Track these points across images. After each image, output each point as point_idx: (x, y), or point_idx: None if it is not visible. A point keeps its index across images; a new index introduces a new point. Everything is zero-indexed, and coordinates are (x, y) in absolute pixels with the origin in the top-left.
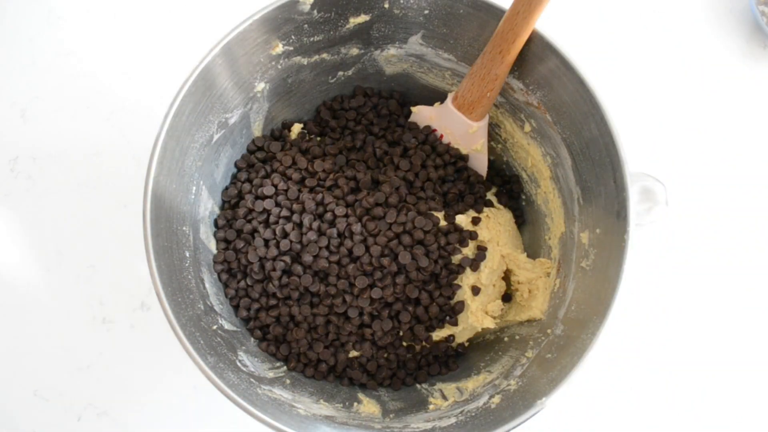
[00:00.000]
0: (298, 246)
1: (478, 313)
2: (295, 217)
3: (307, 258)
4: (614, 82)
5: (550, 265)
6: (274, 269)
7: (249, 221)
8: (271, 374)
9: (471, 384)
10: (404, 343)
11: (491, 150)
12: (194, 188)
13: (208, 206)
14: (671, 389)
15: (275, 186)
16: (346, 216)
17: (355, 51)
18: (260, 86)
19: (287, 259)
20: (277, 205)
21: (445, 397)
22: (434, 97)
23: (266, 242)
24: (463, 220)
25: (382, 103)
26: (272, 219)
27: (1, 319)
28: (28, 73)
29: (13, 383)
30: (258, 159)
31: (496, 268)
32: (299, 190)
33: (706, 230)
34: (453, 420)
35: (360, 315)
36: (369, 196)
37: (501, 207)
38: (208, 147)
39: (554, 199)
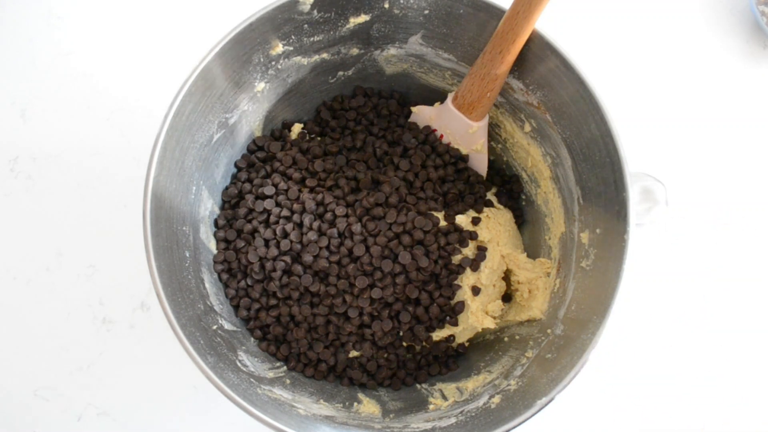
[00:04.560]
0: (299, 246)
1: (478, 313)
2: (296, 217)
3: (308, 258)
4: (614, 82)
5: (550, 265)
6: (274, 269)
7: (249, 221)
8: (271, 374)
9: (471, 384)
10: (404, 344)
11: (491, 150)
12: (194, 188)
13: (208, 206)
14: (671, 389)
15: (275, 186)
16: (346, 216)
17: (355, 51)
18: (260, 86)
19: (287, 259)
20: (278, 205)
21: (445, 397)
22: (434, 97)
23: (266, 242)
24: (463, 220)
25: (382, 103)
26: (272, 219)
27: (1, 319)
28: (27, 73)
29: (13, 383)
30: (258, 159)
31: (496, 268)
32: (299, 190)
33: (706, 230)
34: (453, 420)
35: (360, 315)
36: (369, 196)
37: (501, 207)
38: (208, 147)
39: (554, 199)
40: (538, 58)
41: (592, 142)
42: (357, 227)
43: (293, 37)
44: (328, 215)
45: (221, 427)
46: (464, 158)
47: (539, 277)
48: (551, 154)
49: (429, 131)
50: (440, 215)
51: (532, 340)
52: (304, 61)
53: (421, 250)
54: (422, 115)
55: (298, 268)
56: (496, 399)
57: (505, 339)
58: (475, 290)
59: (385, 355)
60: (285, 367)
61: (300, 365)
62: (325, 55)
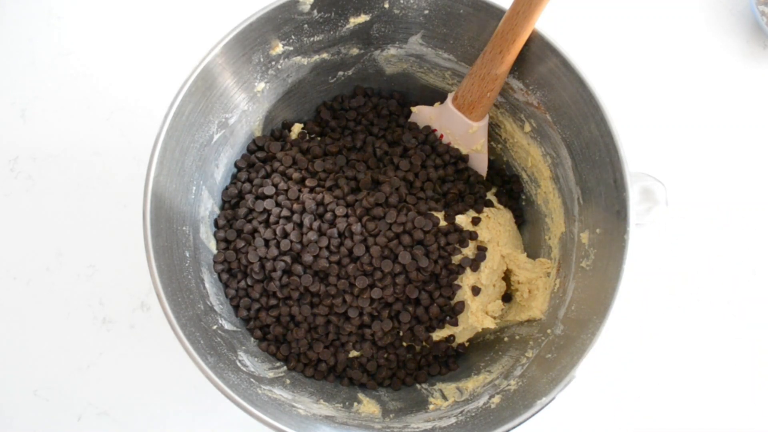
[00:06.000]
0: (299, 246)
1: (478, 313)
2: (296, 217)
3: (308, 258)
4: (614, 82)
5: (550, 265)
6: (274, 269)
7: (249, 221)
8: (271, 374)
9: (471, 384)
10: (404, 344)
11: (491, 150)
12: (194, 188)
13: (208, 206)
14: (671, 389)
15: (275, 186)
16: (346, 216)
17: (355, 51)
18: (260, 86)
19: (287, 259)
20: (278, 205)
21: (445, 397)
22: (434, 97)
23: (266, 242)
24: (463, 220)
25: (382, 103)
26: (272, 219)
27: (1, 319)
28: (28, 73)
29: (13, 383)
30: (258, 159)
31: (496, 268)
32: (299, 190)
33: (706, 230)
34: (453, 420)
35: (360, 315)
36: (369, 196)
37: (501, 207)
38: (208, 147)
39: (554, 199)
40: (538, 58)
41: (592, 142)
42: (357, 227)
43: (293, 37)
44: (328, 215)
45: (221, 427)
46: (464, 158)
47: (539, 277)
48: (551, 154)
49: (429, 131)
50: (440, 215)
51: (532, 340)
52: (304, 61)
53: (421, 250)
54: (422, 115)
55: (298, 268)
56: (496, 399)
57: (505, 339)
58: (475, 290)
59: (385, 355)
60: (285, 367)
61: (300, 365)
62: (325, 55)
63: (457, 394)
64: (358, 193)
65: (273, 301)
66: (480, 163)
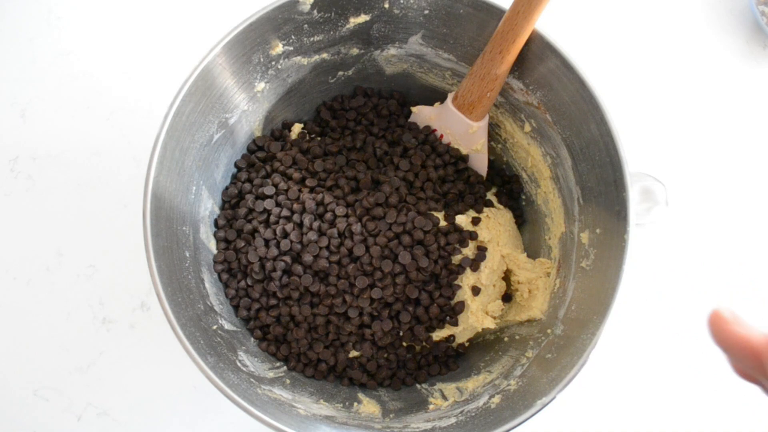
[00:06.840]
0: (299, 246)
1: (478, 313)
2: (296, 217)
3: (308, 258)
4: (614, 82)
5: (550, 265)
6: (274, 269)
7: (249, 221)
8: (271, 374)
9: (471, 384)
10: (404, 344)
11: (491, 150)
12: (194, 188)
13: (208, 206)
14: (671, 389)
15: (275, 186)
16: (347, 216)
17: (355, 51)
18: (260, 86)
19: (287, 259)
20: (278, 204)
21: (445, 397)
22: (434, 97)
23: (266, 242)
24: (463, 220)
25: (382, 103)
26: (272, 219)
27: (1, 319)
28: (28, 73)
29: (13, 383)
30: (258, 159)
31: (496, 268)
32: (299, 190)
33: (706, 230)
34: (453, 420)
35: (360, 315)
36: (369, 196)
37: (501, 207)
38: (208, 147)
39: (554, 199)
40: (538, 58)
41: (592, 142)
42: (357, 227)
43: (293, 37)
44: (328, 215)
45: (221, 427)
46: (464, 158)
47: (539, 277)
48: (551, 154)
49: (429, 131)
50: (440, 215)
51: (532, 340)
52: (304, 61)
53: (421, 250)
54: (422, 115)
55: (298, 268)
56: (496, 399)
57: (505, 339)
58: (475, 290)
59: (385, 355)
60: (285, 367)
61: (300, 365)
62: (325, 55)
63: (457, 394)
64: (358, 193)
65: (273, 301)
66: (480, 163)
